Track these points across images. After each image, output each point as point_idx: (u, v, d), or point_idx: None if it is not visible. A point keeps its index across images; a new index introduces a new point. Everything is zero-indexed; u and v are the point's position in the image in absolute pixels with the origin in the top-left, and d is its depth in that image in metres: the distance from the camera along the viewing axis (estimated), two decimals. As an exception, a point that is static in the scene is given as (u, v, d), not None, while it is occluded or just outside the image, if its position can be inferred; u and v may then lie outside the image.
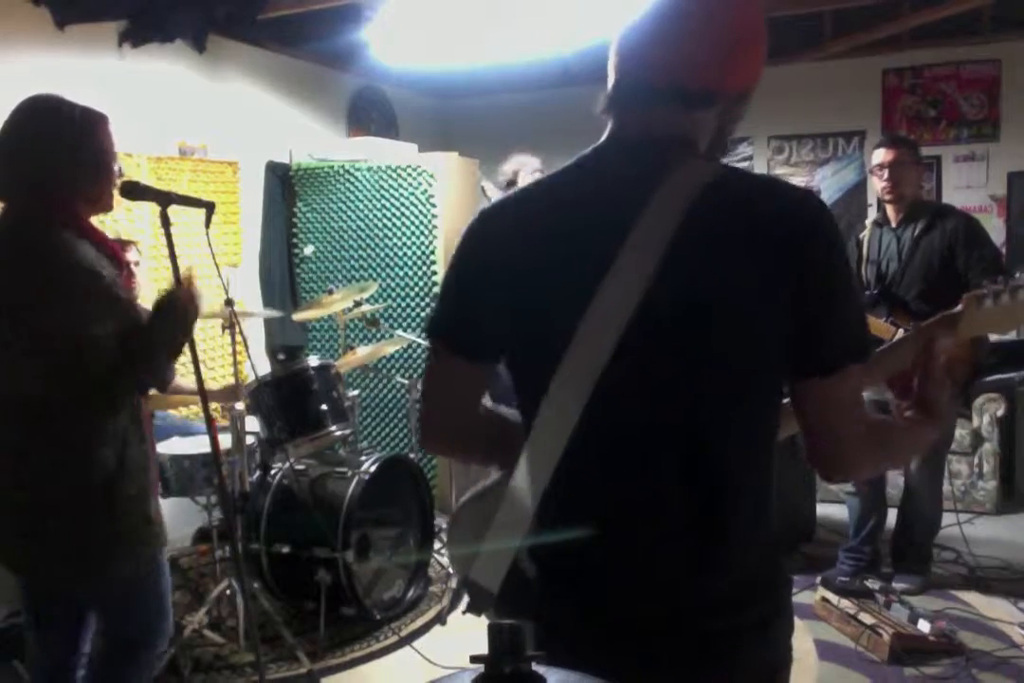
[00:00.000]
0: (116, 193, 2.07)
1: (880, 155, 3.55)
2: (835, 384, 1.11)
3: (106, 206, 2.08)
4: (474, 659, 2.36)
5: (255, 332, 4.83)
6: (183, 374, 3.89)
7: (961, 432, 4.54)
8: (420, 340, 4.10)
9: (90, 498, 1.95)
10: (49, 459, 1.94)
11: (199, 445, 3.28)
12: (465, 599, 1.24)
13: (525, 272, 1.18)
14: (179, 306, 2.06)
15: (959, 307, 1.31)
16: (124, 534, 2.00)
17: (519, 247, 1.19)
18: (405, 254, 4.86)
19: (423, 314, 4.78)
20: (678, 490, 1.13)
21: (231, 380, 3.39)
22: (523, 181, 4.15)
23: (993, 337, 3.55)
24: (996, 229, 5.09)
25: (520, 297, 1.19)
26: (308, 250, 5.09)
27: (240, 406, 3.15)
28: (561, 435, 1.12)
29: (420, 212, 4.80)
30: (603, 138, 1.26)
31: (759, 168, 5.83)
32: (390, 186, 4.86)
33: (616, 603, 1.18)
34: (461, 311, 1.27)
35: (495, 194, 4.05)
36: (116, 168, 2.06)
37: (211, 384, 3.58)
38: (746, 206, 1.11)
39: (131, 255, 3.34)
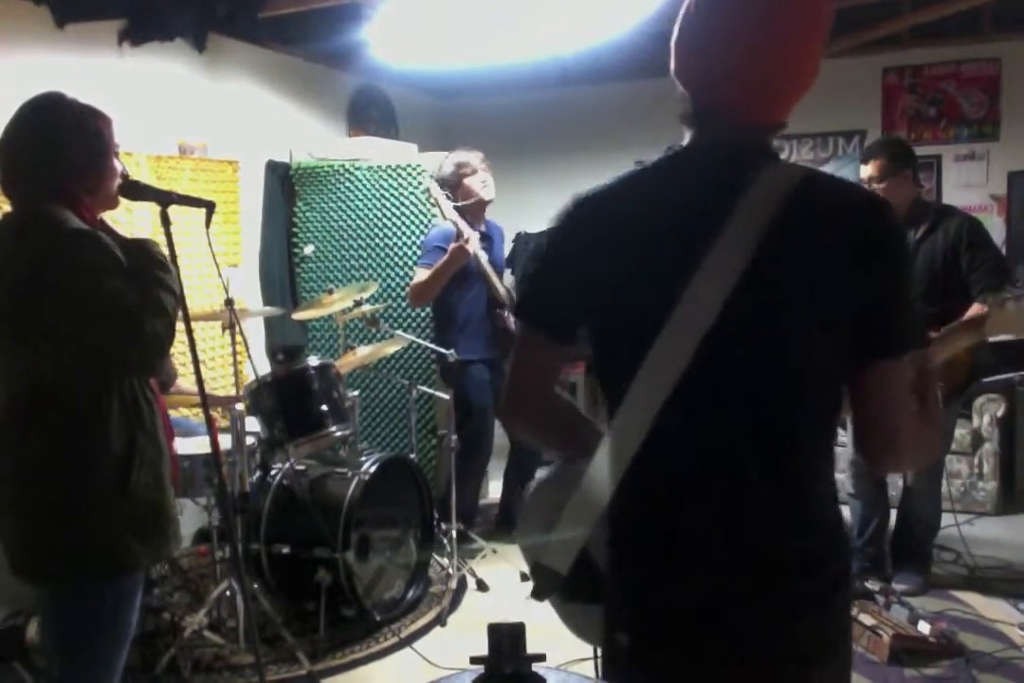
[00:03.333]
0: (117, 192, 2.07)
1: (864, 171, 3.55)
2: (897, 368, 1.21)
3: (106, 204, 2.08)
4: (474, 660, 2.40)
5: (255, 332, 4.83)
6: (183, 374, 3.90)
7: (961, 432, 4.54)
8: (420, 340, 4.09)
9: (101, 488, 1.92)
10: (57, 451, 1.92)
11: (199, 445, 3.27)
12: (530, 584, 1.33)
13: (621, 261, 1.25)
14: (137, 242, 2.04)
15: (983, 309, 1.37)
16: (139, 525, 1.96)
17: (615, 237, 1.26)
18: (405, 254, 4.85)
19: (423, 314, 4.77)
20: (760, 461, 1.21)
21: (232, 390, 3.39)
22: (471, 179, 4.11)
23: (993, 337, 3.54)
24: (996, 228, 5.08)
25: (614, 284, 1.26)
26: (308, 250, 5.08)
27: (240, 407, 3.14)
28: (645, 422, 1.19)
29: (420, 211, 4.80)
30: (687, 141, 1.31)
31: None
32: (390, 185, 4.86)
33: (706, 571, 1.23)
34: (550, 292, 1.34)
35: (440, 194, 3.97)
36: (120, 166, 2.06)
37: (212, 389, 3.57)
38: (830, 208, 1.21)
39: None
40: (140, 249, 2.02)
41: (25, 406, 1.94)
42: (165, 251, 2.06)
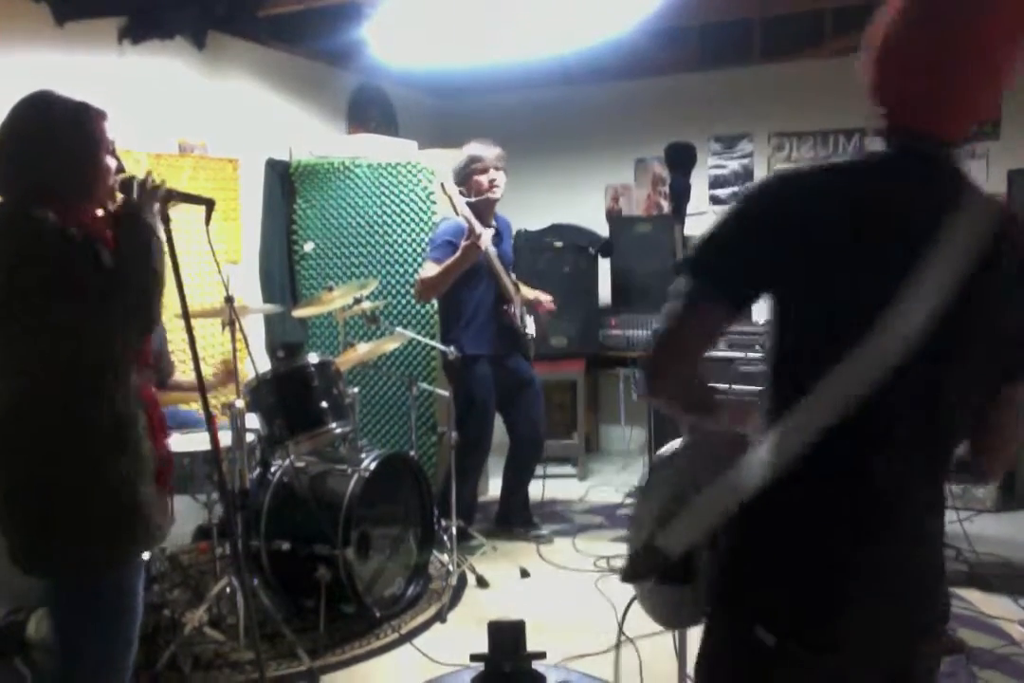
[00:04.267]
0: (115, 189, 2.07)
1: None
2: None
3: (101, 201, 2.07)
4: (474, 657, 2.40)
5: (255, 329, 4.82)
6: (183, 371, 3.89)
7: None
8: (420, 337, 4.09)
9: (74, 486, 1.93)
10: (31, 447, 1.93)
11: (199, 442, 3.27)
12: (621, 565, 1.34)
13: (825, 246, 1.23)
14: (131, 217, 2.03)
15: None
16: (107, 525, 1.95)
17: (827, 222, 1.24)
18: (405, 251, 4.86)
19: (423, 311, 4.77)
20: (926, 460, 1.30)
21: (232, 387, 3.38)
22: (481, 177, 4.04)
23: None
24: (996, 227, 5.07)
25: (824, 267, 1.24)
26: (308, 247, 5.09)
27: (240, 403, 3.15)
28: (830, 414, 1.20)
29: (420, 209, 4.80)
30: (886, 146, 1.32)
31: (759, 165, 5.83)
32: (390, 183, 4.86)
33: (874, 548, 1.28)
34: (742, 259, 1.29)
35: (454, 191, 3.88)
36: (113, 163, 2.05)
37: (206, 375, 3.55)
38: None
39: None
40: (129, 230, 2.01)
41: (10, 398, 1.95)
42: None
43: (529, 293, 4.36)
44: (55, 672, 2.11)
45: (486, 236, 3.86)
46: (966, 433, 1.35)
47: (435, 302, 4.51)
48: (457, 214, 3.87)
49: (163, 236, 2.06)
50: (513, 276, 4.28)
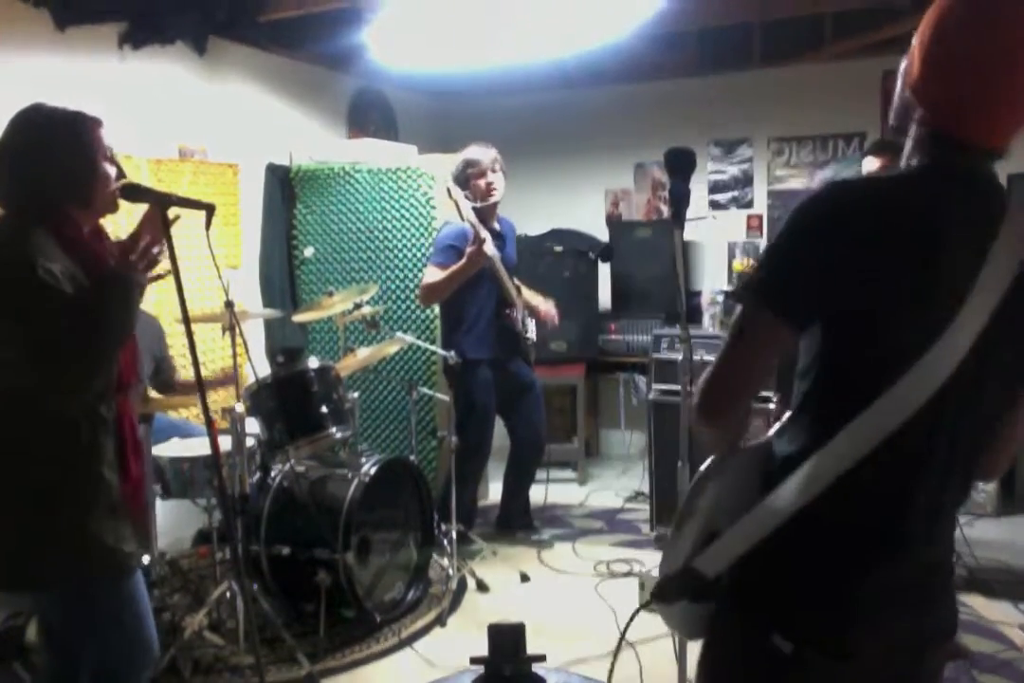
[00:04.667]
0: (116, 195, 2.07)
1: (867, 164, 3.54)
2: None
3: (105, 209, 2.08)
4: (474, 661, 2.39)
5: (255, 334, 4.83)
6: (184, 366, 3.90)
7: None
8: (420, 342, 4.10)
9: (23, 507, 1.92)
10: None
11: (199, 447, 3.28)
12: (649, 586, 1.36)
13: (887, 264, 1.21)
14: (121, 277, 1.97)
15: None
16: (56, 547, 1.93)
17: (881, 239, 1.21)
18: (405, 256, 4.86)
19: (423, 315, 4.78)
20: (960, 475, 1.32)
21: (232, 392, 3.38)
22: (479, 181, 4.03)
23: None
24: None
25: (874, 285, 1.21)
26: (308, 252, 5.09)
27: (240, 408, 3.15)
28: (878, 434, 1.20)
29: (420, 214, 4.80)
30: (921, 157, 1.29)
31: (759, 170, 5.83)
32: (390, 188, 4.86)
33: (900, 578, 1.30)
34: (801, 278, 1.25)
35: (460, 195, 3.88)
36: (113, 171, 2.05)
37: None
38: None
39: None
40: (105, 286, 1.95)
41: None
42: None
43: (533, 299, 4.35)
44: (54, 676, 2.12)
45: (490, 241, 3.86)
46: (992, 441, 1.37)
47: (435, 306, 4.52)
48: (463, 219, 3.87)
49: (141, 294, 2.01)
50: (515, 279, 4.27)
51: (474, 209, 3.90)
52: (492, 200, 4.08)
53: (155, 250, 2.01)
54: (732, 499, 1.32)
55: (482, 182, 4.05)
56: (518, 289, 4.25)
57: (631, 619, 1.57)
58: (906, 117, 1.31)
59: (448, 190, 3.88)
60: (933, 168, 1.28)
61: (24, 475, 1.92)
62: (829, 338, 1.27)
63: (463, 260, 3.85)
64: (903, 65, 1.30)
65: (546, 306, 4.35)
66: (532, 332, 4.27)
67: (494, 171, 4.07)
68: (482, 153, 4.08)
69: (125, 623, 2.04)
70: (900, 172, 1.30)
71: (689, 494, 1.40)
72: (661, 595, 1.33)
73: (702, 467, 1.42)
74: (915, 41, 1.26)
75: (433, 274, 3.98)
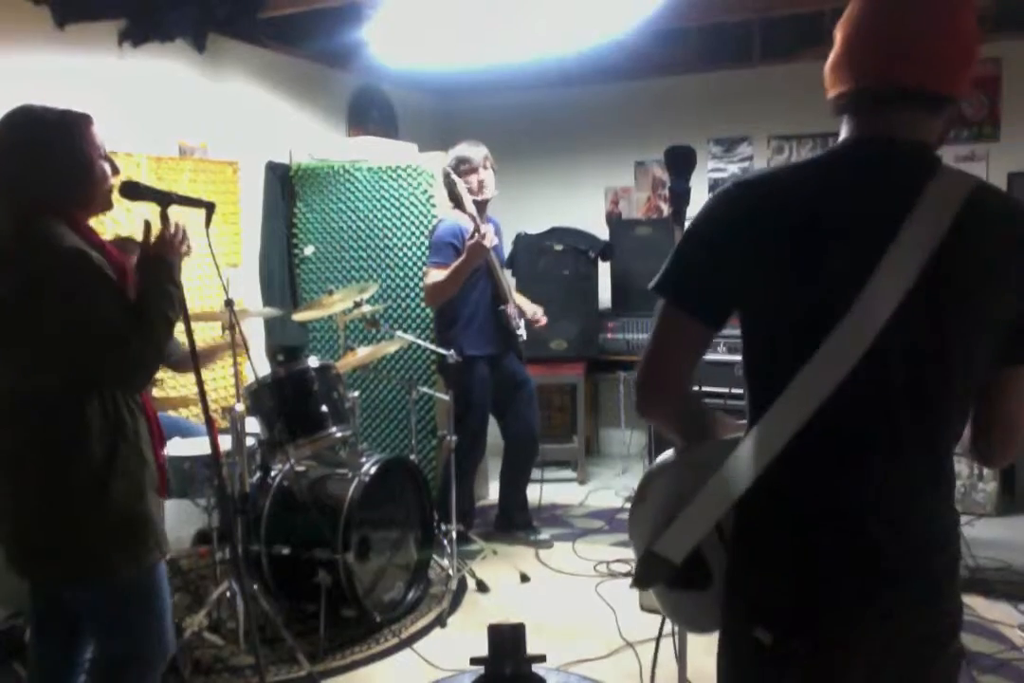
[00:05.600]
0: (115, 192, 2.06)
1: None
2: None
3: (101, 207, 2.07)
4: (474, 661, 2.40)
5: (255, 333, 4.82)
6: (182, 343, 3.90)
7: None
8: (420, 341, 4.09)
9: (79, 494, 1.93)
10: (36, 455, 1.93)
11: (199, 447, 3.27)
12: (631, 572, 1.34)
13: (792, 251, 1.26)
14: (156, 259, 2.05)
15: None
16: (117, 532, 1.97)
17: (785, 227, 1.26)
18: (405, 254, 4.85)
19: (423, 314, 4.77)
20: (917, 451, 1.28)
21: (232, 390, 3.37)
22: (470, 178, 4.02)
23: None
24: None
25: (782, 273, 1.26)
26: (308, 250, 5.08)
27: (240, 407, 3.14)
28: (805, 412, 1.22)
29: (420, 212, 4.79)
30: (844, 137, 1.33)
31: (759, 168, 5.81)
32: (390, 186, 4.85)
33: (864, 557, 1.27)
34: (707, 275, 1.32)
35: (464, 189, 3.88)
36: (107, 167, 2.04)
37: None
38: (999, 218, 1.29)
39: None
40: (154, 266, 2.03)
41: (7, 410, 1.94)
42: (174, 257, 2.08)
43: (523, 303, 4.34)
44: (55, 664, 2.14)
45: (490, 233, 3.85)
46: (962, 420, 1.34)
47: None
48: (464, 211, 3.87)
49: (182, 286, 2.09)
50: (514, 282, 4.27)
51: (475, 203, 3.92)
52: (483, 197, 4.07)
53: (179, 237, 2.09)
54: (685, 483, 1.33)
55: (474, 179, 4.04)
56: (509, 286, 4.25)
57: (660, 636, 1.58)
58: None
59: (453, 182, 3.87)
60: (851, 146, 1.32)
61: (85, 461, 1.93)
62: (747, 324, 1.34)
63: (464, 255, 3.84)
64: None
65: (532, 308, 4.34)
66: (523, 329, 4.27)
67: (485, 168, 4.07)
68: (473, 151, 4.07)
69: (156, 610, 2.07)
70: (817, 155, 1.34)
71: (645, 479, 1.44)
72: (634, 581, 1.37)
73: (660, 457, 1.47)
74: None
75: (435, 275, 3.96)
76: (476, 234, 3.80)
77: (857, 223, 1.25)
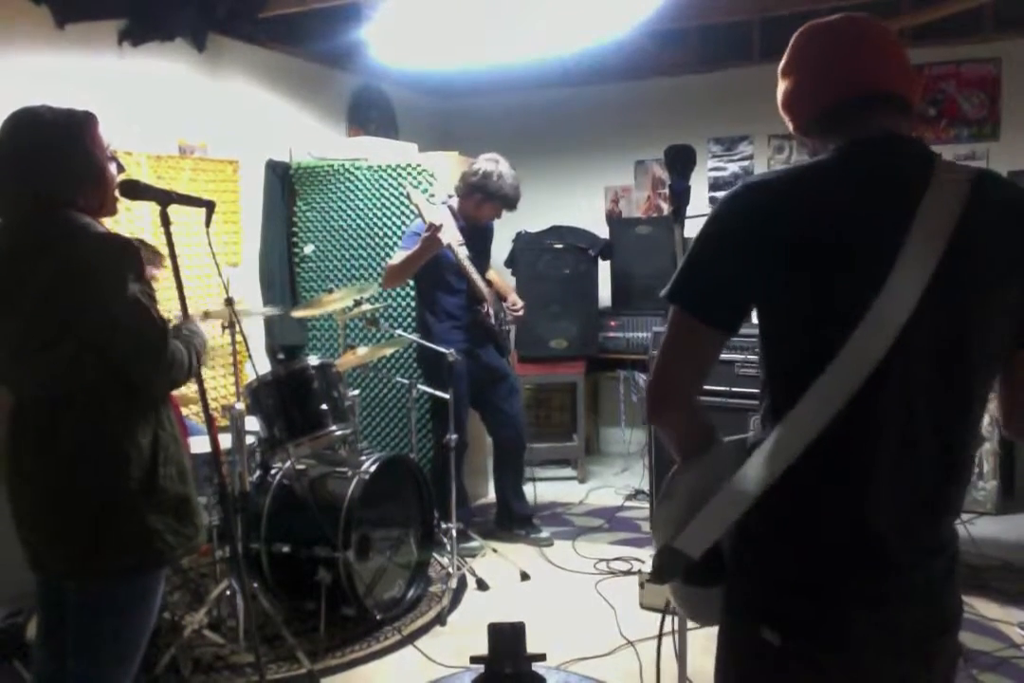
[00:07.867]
0: (117, 193, 2.06)
1: None
2: None
3: (109, 210, 2.07)
4: (474, 659, 2.40)
5: (255, 331, 4.82)
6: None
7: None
8: (420, 340, 4.09)
9: (135, 483, 1.95)
10: (92, 447, 1.94)
11: (199, 445, 3.27)
12: (649, 567, 1.36)
13: (806, 254, 1.24)
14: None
15: None
16: (168, 516, 2.00)
17: (797, 231, 1.26)
18: (405, 253, 4.85)
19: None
20: (937, 447, 1.29)
21: (232, 389, 3.37)
22: (479, 205, 4.13)
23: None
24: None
25: (796, 277, 1.25)
26: (308, 249, 5.09)
27: (240, 406, 3.15)
28: (830, 411, 1.22)
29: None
30: (843, 141, 1.34)
31: (759, 167, 5.82)
32: (390, 185, 4.86)
33: (876, 557, 1.28)
34: (721, 282, 1.31)
35: (421, 199, 3.93)
36: (113, 167, 2.04)
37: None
38: (1004, 205, 1.30)
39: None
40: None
41: (58, 409, 1.94)
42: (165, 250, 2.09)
43: (503, 288, 4.45)
44: (54, 672, 2.12)
45: (448, 228, 3.91)
46: (979, 418, 1.36)
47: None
48: (424, 221, 3.91)
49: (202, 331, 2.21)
50: (493, 271, 4.35)
51: (450, 206, 4.06)
52: (480, 224, 4.21)
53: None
54: (708, 481, 1.33)
55: (487, 209, 4.15)
56: (489, 283, 4.29)
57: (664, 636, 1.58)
58: (807, 133, 1.43)
59: (408, 195, 3.96)
60: (849, 149, 1.32)
61: (137, 449, 1.95)
62: (765, 326, 1.33)
63: (417, 245, 3.91)
64: (780, 100, 1.50)
65: (514, 297, 4.45)
66: (508, 325, 4.30)
67: (497, 208, 4.18)
68: (516, 193, 4.15)
69: (137, 626, 2.08)
70: (819, 159, 1.34)
71: (671, 475, 1.44)
72: (652, 575, 1.37)
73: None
74: (780, 78, 1.50)
75: (396, 258, 4.08)
76: (431, 228, 3.83)
77: (872, 220, 1.25)
